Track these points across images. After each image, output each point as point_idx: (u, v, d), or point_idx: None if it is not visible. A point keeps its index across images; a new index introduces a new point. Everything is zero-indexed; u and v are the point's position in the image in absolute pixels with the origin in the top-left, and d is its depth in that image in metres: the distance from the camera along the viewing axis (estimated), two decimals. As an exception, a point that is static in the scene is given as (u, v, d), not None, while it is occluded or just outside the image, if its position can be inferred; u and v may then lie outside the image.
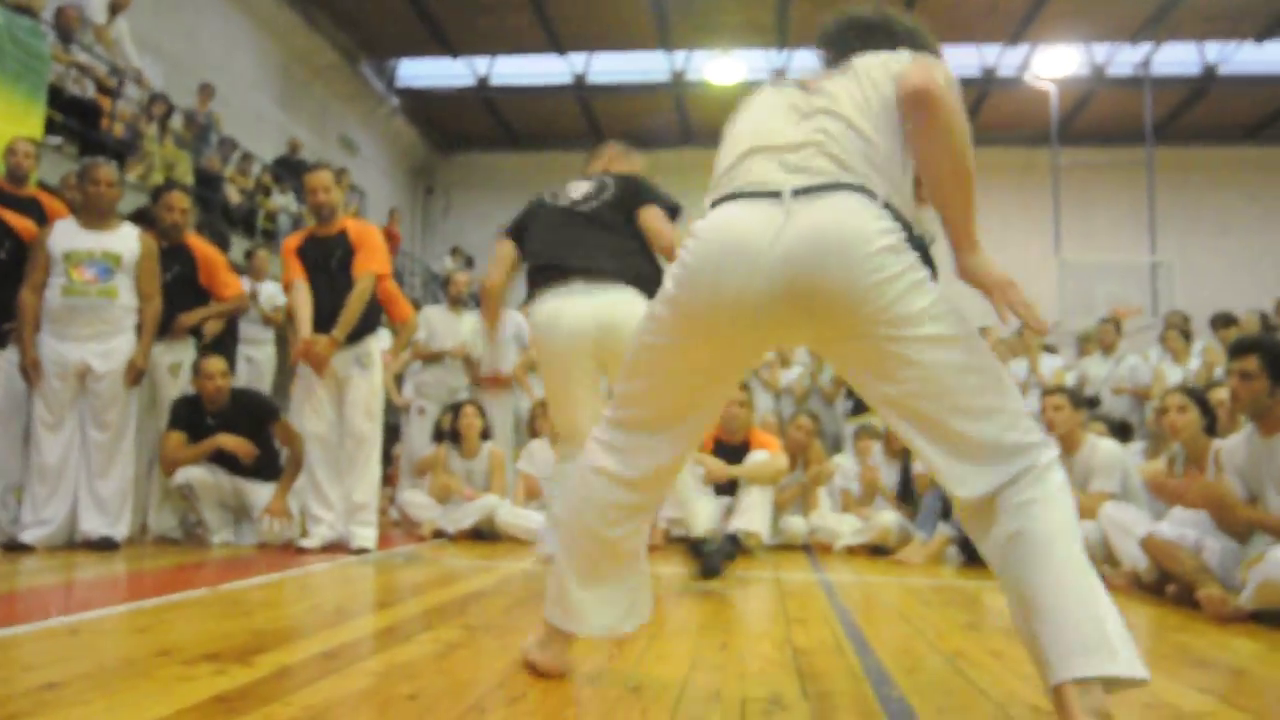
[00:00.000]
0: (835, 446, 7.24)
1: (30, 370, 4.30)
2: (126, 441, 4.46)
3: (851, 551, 5.37)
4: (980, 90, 15.20)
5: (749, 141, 1.72)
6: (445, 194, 18.20)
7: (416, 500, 5.68)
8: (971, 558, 4.77)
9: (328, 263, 4.55)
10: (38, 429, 4.30)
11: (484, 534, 5.49)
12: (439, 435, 6.03)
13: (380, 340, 4.75)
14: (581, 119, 16.56)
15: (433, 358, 6.60)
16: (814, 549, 5.56)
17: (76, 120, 7.77)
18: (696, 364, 1.68)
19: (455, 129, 17.53)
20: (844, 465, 6.07)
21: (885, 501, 5.69)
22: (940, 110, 1.58)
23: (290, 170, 11.91)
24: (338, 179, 4.80)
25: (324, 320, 4.52)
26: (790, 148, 1.65)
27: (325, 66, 14.46)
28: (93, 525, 4.28)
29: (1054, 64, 14.56)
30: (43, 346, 4.31)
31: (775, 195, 1.59)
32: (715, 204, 1.68)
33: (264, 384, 6.98)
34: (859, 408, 7.78)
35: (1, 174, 4.78)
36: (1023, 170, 16.47)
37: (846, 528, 5.54)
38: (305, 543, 4.43)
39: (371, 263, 4.57)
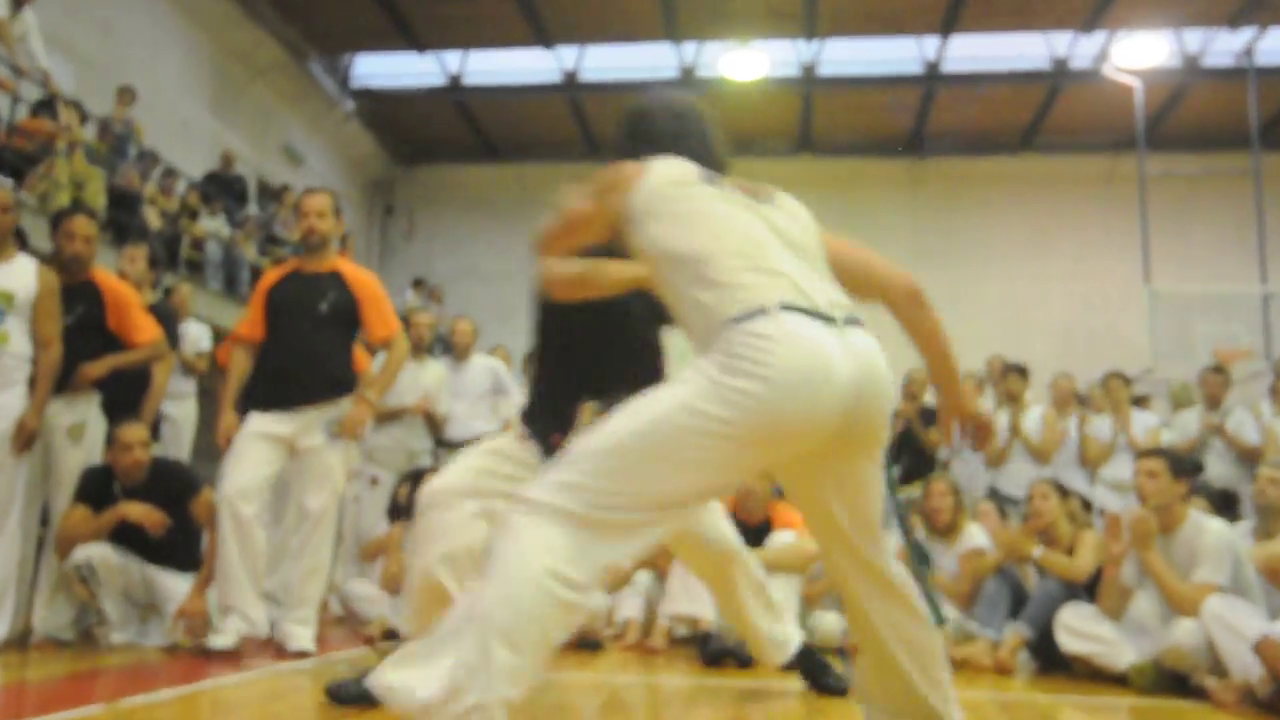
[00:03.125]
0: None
1: (-102, 435, 4.29)
2: (11, 521, 4.43)
3: (898, 654, 5.27)
4: (1050, 86, 15.35)
5: (763, 248, 2.09)
6: (408, 214, 18.32)
7: (364, 592, 5.62)
8: (1049, 663, 4.70)
9: (312, 307, 4.52)
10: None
11: (448, 633, 5.41)
12: (395, 511, 5.98)
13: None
14: (572, 124, 16.71)
15: (389, 416, 6.58)
16: (851, 652, 5.46)
17: (-34, 131, 7.85)
18: (744, 468, 1.97)
19: (421, 137, 17.70)
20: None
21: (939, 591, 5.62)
22: (931, 306, 2.38)
23: (222, 188, 11.99)
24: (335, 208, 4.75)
25: (288, 379, 4.48)
26: (811, 272, 2.09)
27: (267, 65, 14.64)
28: (-33, 625, 4.23)
29: (1137, 54, 14.69)
30: (-84, 406, 4.30)
31: (829, 320, 1.96)
32: (767, 310, 1.94)
33: (182, 448, 6.95)
34: (907, 475, 7.75)
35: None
36: (1103, 181, 16.56)
37: (892, 624, 5.44)
38: (216, 641, 4.35)
39: (390, 325, 4.67)
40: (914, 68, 15.33)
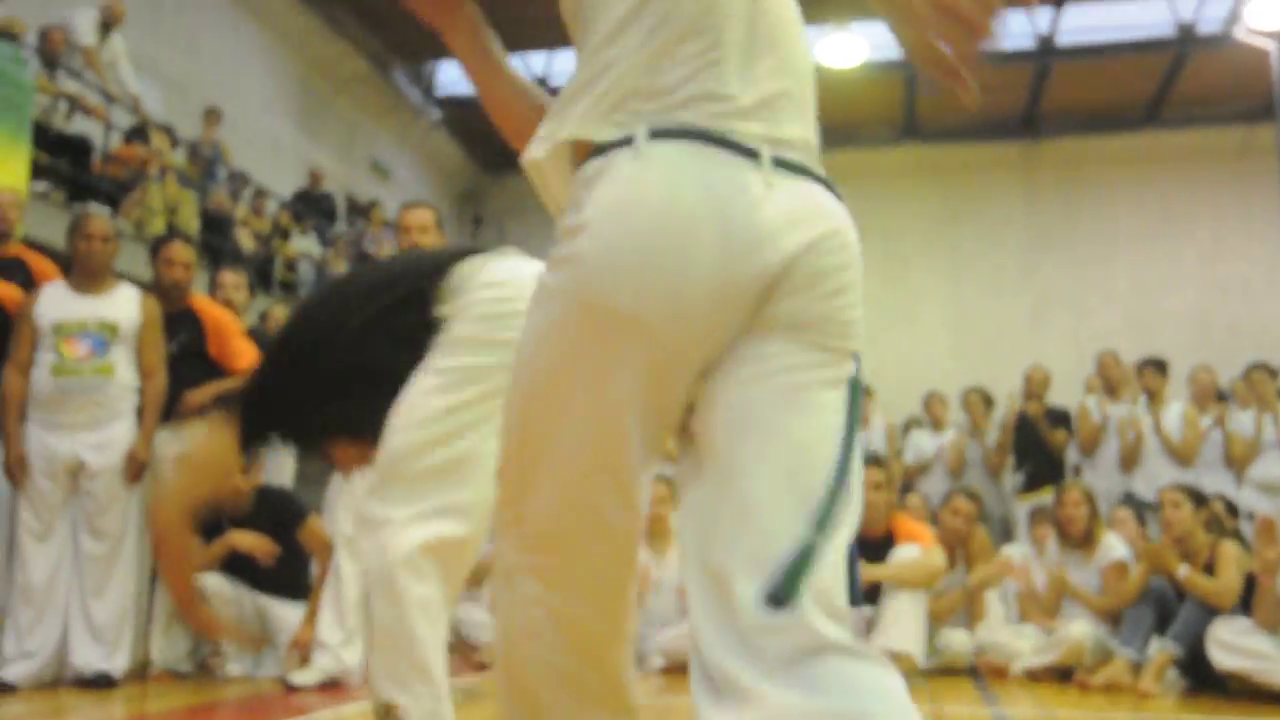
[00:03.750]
0: (1005, 534, 7.07)
1: (15, 469, 4.51)
2: (126, 552, 4.64)
3: (1033, 676, 5.21)
4: (1175, 54, 14.89)
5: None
6: (498, 224, 18.58)
7: (475, 618, 5.73)
8: (1201, 682, 4.58)
9: None
10: (23, 540, 4.50)
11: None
12: (500, 533, 6.08)
13: None
14: (664, 120, 16.77)
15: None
16: (983, 673, 5.40)
17: (66, 161, 8.22)
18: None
19: (508, 144, 17.92)
20: (1018, 559, 5.91)
21: (1077, 607, 5.50)
22: None
23: (312, 206, 12.36)
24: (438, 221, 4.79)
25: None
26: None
27: (351, 78, 15.02)
28: (86, 658, 4.44)
29: (1271, 15, 14.16)
30: (29, 439, 4.52)
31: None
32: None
33: (284, 474, 7.16)
34: (1033, 480, 7.60)
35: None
36: (1238, 155, 16.00)
37: (1025, 644, 5.39)
38: (297, 678, 4.49)
39: None
40: (1025, 42, 15.02)
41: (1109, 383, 7.92)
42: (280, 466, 7.14)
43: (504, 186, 18.66)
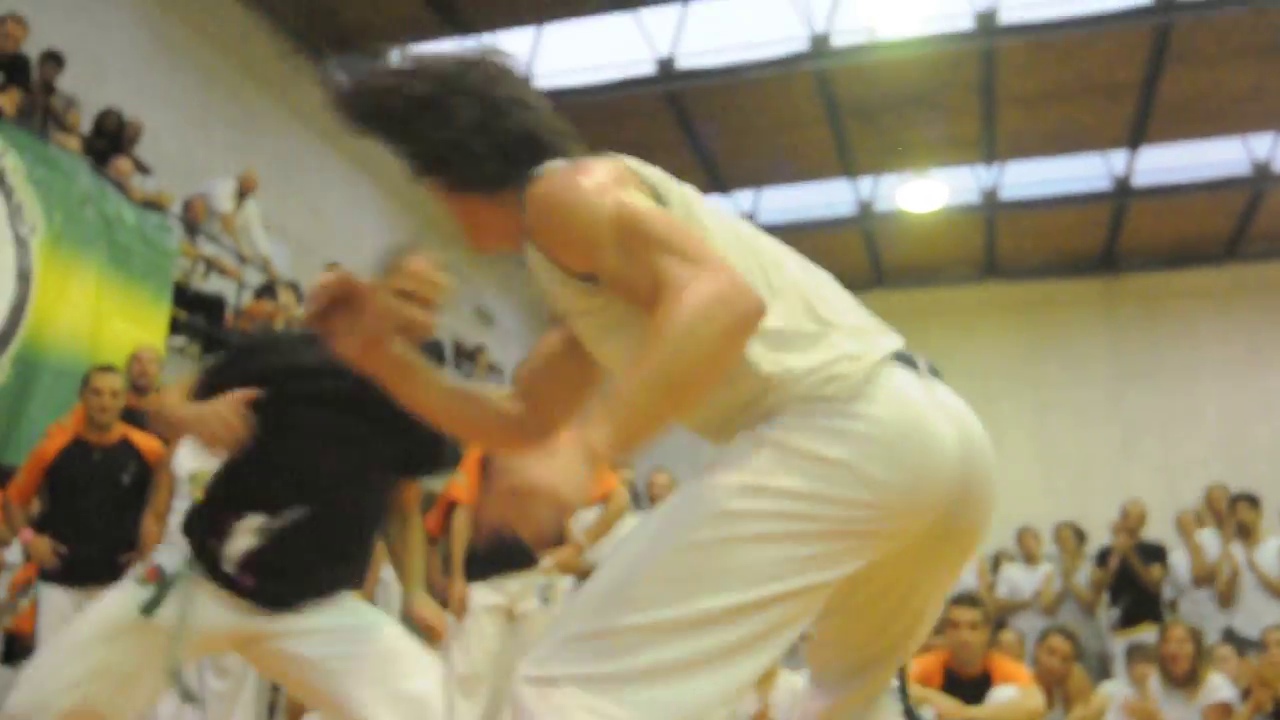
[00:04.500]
0: (1102, 671, 6.83)
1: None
2: (248, 690, 4.74)
3: (1140, 818, 4.98)
4: (1252, 191, 14.76)
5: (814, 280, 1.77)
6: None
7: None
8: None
9: None
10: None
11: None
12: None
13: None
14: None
15: (588, 573, 6.72)
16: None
17: (201, 317, 8.67)
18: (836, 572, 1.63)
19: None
20: (1117, 695, 5.70)
21: (1180, 748, 5.29)
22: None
23: (423, 353, 12.72)
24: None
25: (499, 540, 4.68)
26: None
27: (458, 230, 15.60)
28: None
29: (1348, 154, 14.03)
30: (165, 582, 4.69)
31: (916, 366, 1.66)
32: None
33: (391, 609, 7.26)
34: (1129, 618, 7.36)
35: (125, 385, 5.34)
36: (1325, 289, 15.67)
37: (1130, 785, 5.16)
38: None
39: (609, 481, 4.92)
40: (1102, 184, 15.03)
41: (1219, 515, 7.71)
42: (389, 602, 7.25)
43: (600, 328, 19.04)
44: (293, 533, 2.62)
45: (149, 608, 2.53)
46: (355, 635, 2.65)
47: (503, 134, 1.73)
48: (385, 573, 7.26)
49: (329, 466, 2.68)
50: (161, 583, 2.57)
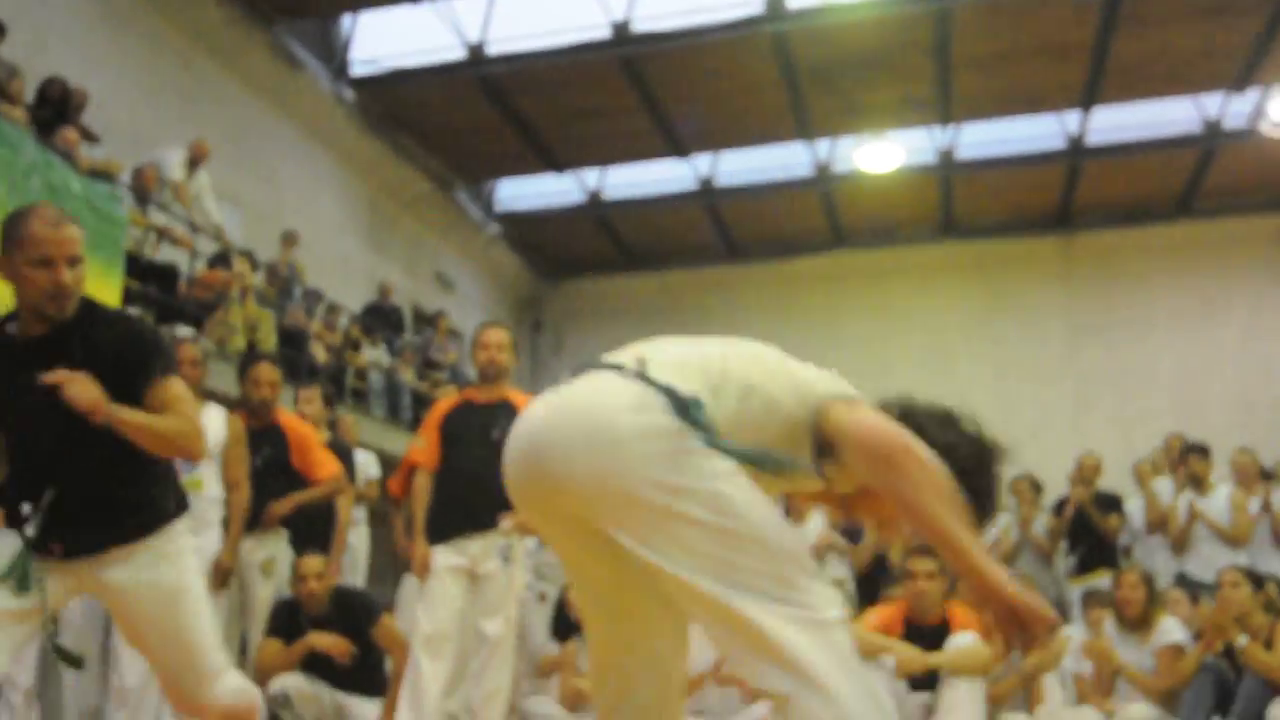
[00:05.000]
0: (1059, 617, 6.96)
1: (111, 578, 4.65)
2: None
3: (1095, 758, 5.09)
4: (1203, 149, 14.94)
5: None
6: (555, 329, 18.86)
7: (544, 710, 5.73)
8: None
9: (485, 433, 4.72)
10: (118, 645, 4.60)
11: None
12: (564, 628, 6.10)
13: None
14: (710, 229, 17.04)
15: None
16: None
17: (155, 286, 8.55)
18: None
19: (564, 253, 18.32)
20: (1074, 639, 5.81)
21: (1133, 688, 5.40)
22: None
23: (381, 318, 12.67)
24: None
25: (460, 502, 4.72)
26: None
27: (416, 197, 15.49)
28: (179, 757, 4.50)
29: (1295, 108, 14.19)
30: (124, 550, 4.66)
31: None
32: None
33: (359, 574, 7.27)
34: (1085, 565, 7.50)
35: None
36: (1272, 241, 15.90)
37: (1085, 726, 5.26)
38: None
39: None
40: (1056, 143, 15.15)
41: (1175, 464, 7.87)
42: (355, 565, 7.26)
43: (561, 293, 18.99)
44: (63, 506, 2.80)
45: (22, 584, 2.71)
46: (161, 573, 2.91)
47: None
48: (352, 536, 7.27)
49: (47, 441, 2.80)
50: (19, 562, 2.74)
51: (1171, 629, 5.41)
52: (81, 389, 2.65)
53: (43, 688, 4.77)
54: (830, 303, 16.73)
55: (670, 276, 17.76)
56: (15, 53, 8.20)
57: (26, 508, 2.79)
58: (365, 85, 13.80)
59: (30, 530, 2.77)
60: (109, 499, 2.89)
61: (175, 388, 2.88)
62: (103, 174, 7.81)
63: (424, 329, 14.60)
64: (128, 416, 2.74)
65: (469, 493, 4.71)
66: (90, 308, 2.90)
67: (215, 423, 4.87)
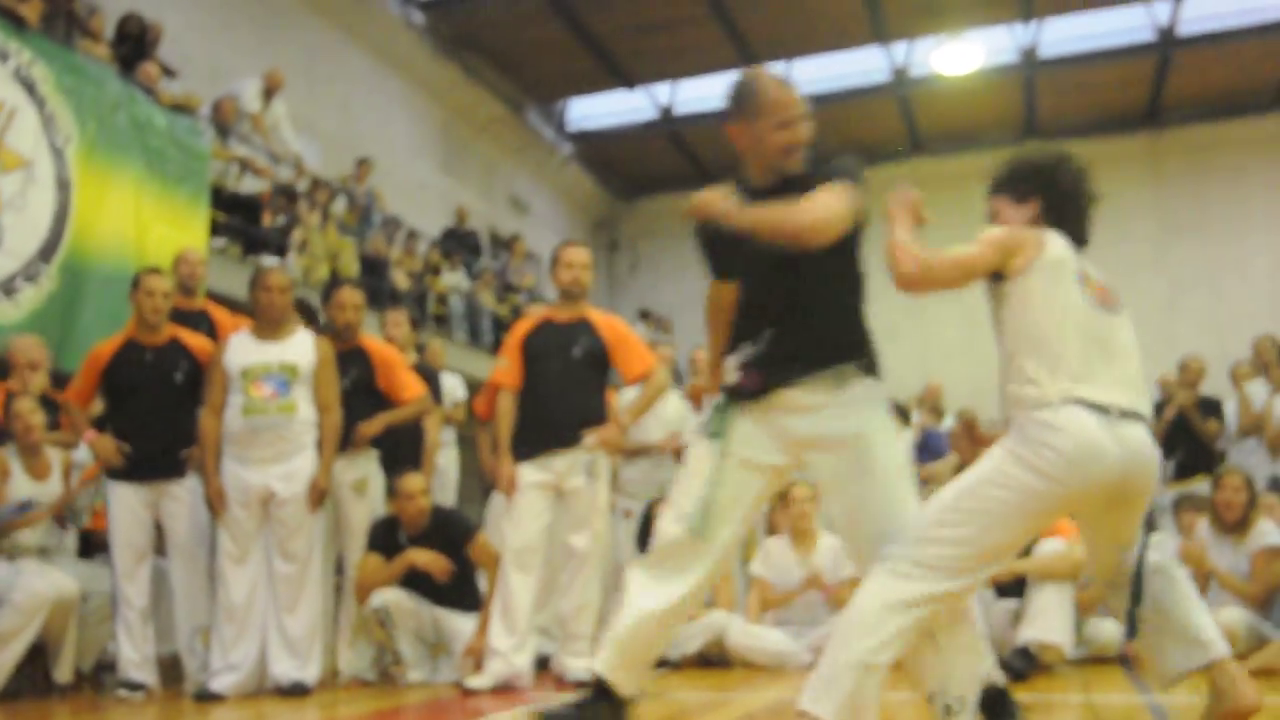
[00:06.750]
0: (1150, 523, 6.85)
1: (215, 501, 4.83)
2: (314, 572, 4.90)
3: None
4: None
5: (1086, 353, 2.66)
6: (631, 248, 18.84)
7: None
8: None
9: (565, 353, 4.80)
10: (224, 564, 4.80)
11: (712, 659, 5.56)
12: (646, 541, 6.17)
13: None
14: (785, 140, 16.76)
15: (636, 451, 6.79)
16: (1134, 661, 5.25)
17: (239, 217, 8.72)
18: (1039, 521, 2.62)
19: (638, 171, 18.19)
20: (1165, 546, 5.73)
21: (1226, 593, 5.31)
22: None
23: (459, 242, 12.78)
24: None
25: (543, 420, 4.78)
26: (1114, 376, 2.68)
27: (489, 120, 15.47)
28: (283, 669, 4.70)
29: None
30: (225, 474, 4.83)
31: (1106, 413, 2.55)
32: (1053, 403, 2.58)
33: (449, 494, 7.44)
34: (1182, 470, 7.36)
35: (173, 286, 5.37)
36: None
37: (1177, 630, 5.20)
38: (473, 682, 4.65)
39: (645, 360, 4.95)
40: (1145, 35, 14.53)
41: (1266, 366, 7.63)
42: (445, 486, 7.43)
43: (635, 212, 18.92)
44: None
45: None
46: None
47: None
48: (440, 458, 7.43)
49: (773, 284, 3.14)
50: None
51: (1269, 531, 5.30)
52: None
53: (156, 607, 5.01)
54: (910, 211, 16.38)
55: (745, 190, 17.56)
56: (91, -10, 8.30)
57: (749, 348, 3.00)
58: (434, 7, 13.75)
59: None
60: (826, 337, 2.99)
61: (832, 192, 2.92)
62: (183, 108, 7.93)
63: (501, 252, 14.68)
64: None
65: (552, 410, 4.76)
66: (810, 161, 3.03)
67: (305, 347, 4.97)
